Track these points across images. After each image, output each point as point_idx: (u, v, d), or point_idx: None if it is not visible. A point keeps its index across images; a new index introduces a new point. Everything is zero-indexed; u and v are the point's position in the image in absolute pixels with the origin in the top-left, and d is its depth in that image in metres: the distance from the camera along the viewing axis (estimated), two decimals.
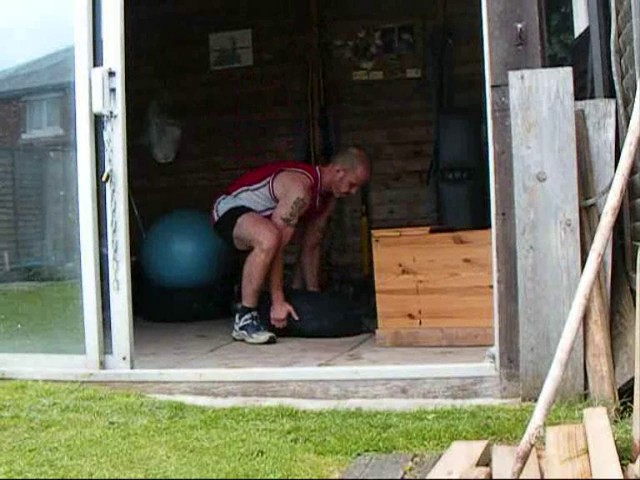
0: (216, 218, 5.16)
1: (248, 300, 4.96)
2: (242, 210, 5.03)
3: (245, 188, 5.11)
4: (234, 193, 5.13)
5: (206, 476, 2.59)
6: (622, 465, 2.31)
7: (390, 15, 6.36)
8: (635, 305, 2.85)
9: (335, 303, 5.17)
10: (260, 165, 5.39)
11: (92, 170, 3.88)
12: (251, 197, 5.07)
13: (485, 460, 2.54)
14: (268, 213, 5.01)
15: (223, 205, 5.14)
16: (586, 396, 3.12)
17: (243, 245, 5.02)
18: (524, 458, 2.30)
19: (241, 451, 2.79)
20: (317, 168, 5.22)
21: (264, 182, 5.07)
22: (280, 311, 4.96)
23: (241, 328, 4.90)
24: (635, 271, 2.93)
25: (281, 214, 4.94)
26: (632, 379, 2.68)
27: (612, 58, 3.42)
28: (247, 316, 4.90)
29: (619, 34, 3.41)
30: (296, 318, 4.91)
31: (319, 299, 5.19)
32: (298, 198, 4.94)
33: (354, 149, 5.24)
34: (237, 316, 4.95)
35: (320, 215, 5.33)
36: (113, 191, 3.85)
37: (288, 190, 4.98)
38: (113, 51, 3.86)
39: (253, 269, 4.89)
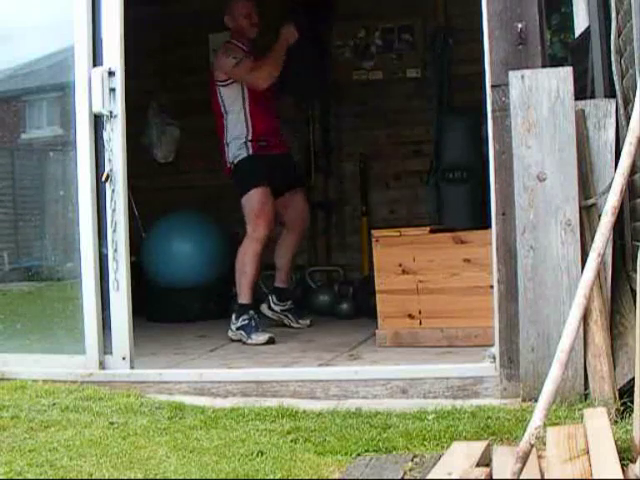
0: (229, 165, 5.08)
1: (244, 296, 4.84)
2: (253, 177, 4.95)
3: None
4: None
5: (206, 476, 2.59)
6: (622, 465, 2.31)
7: (390, 15, 6.34)
8: (635, 305, 2.85)
9: None
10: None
11: (92, 170, 3.88)
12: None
13: (485, 460, 2.54)
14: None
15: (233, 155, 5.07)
16: (586, 396, 3.12)
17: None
18: (524, 458, 2.30)
19: (241, 451, 2.79)
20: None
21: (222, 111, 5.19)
22: None
23: (238, 328, 4.78)
24: (635, 271, 2.93)
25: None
26: (632, 379, 2.68)
27: (612, 58, 3.42)
28: (245, 316, 4.78)
29: (619, 34, 3.41)
30: None
31: None
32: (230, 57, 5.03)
33: None
34: (234, 316, 4.84)
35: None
36: (113, 191, 3.85)
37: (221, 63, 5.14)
38: (113, 51, 3.86)
39: (246, 259, 4.82)
